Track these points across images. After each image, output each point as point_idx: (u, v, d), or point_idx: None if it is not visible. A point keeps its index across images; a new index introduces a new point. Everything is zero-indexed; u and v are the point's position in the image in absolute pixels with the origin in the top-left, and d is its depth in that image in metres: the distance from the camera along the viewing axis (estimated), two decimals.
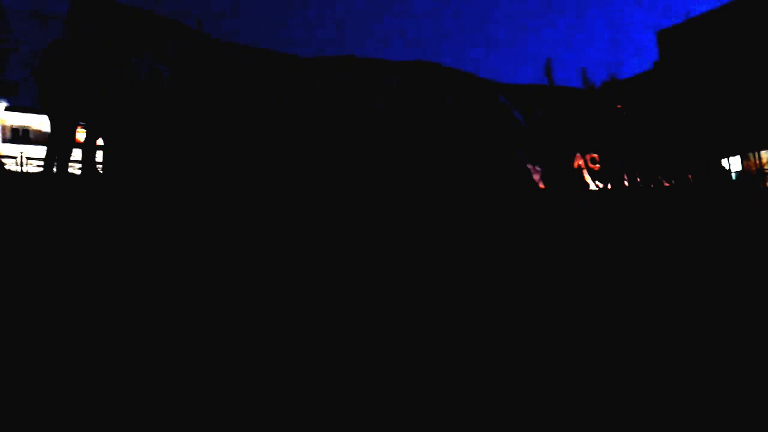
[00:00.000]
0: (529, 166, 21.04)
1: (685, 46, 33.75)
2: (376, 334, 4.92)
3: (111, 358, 4.10)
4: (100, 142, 12.55)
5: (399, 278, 7.47)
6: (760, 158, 30.69)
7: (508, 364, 4.06)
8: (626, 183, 26.73)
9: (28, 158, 30.70)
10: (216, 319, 5.17)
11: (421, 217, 12.18)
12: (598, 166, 25.25)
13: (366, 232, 10.00)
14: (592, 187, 24.93)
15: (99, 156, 13.21)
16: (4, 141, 45.98)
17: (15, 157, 32.59)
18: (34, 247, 6.81)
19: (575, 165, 24.44)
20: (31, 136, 46.27)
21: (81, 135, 12.49)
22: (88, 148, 12.05)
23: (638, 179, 27.01)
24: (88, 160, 12.04)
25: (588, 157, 25.38)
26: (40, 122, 45.92)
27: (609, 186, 25.64)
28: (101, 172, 12.44)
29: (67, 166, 11.62)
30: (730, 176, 31.09)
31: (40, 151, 40.09)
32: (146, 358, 4.13)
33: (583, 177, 24.58)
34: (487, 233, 11.28)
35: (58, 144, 11.47)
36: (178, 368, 3.90)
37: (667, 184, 27.73)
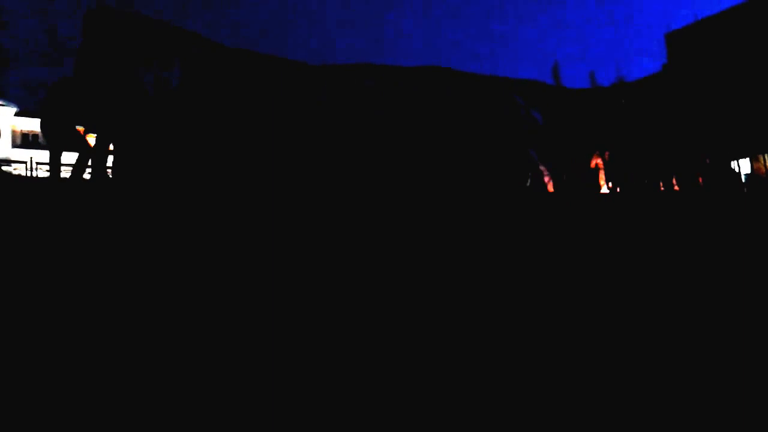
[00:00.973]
0: (542, 168, 21.05)
1: (694, 48, 33.63)
2: (386, 333, 4.93)
3: (116, 355, 4.11)
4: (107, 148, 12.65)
5: (403, 279, 7.47)
6: None
7: (510, 364, 4.05)
8: (636, 185, 26.61)
9: (38, 163, 30.86)
10: (229, 317, 5.19)
11: (425, 221, 12.19)
12: (611, 164, 25.32)
13: (371, 235, 10.01)
14: (604, 189, 24.89)
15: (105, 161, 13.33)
16: (14, 146, 46.35)
17: (25, 162, 32.76)
18: (36, 249, 6.85)
19: (592, 164, 24.43)
20: (41, 141, 46.60)
21: (92, 140, 12.61)
22: (100, 153, 12.15)
23: (648, 182, 26.88)
24: (98, 166, 12.14)
25: (606, 154, 25.43)
26: None
27: (619, 189, 25.56)
28: (111, 176, 12.53)
29: (83, 173, 11.83)
30: (740, 178, 30.92)
31: None
32: (156, 354, 4.15)
33: (599, 179, 24.59)
34: (492, 238, 11.25)
35: (57, 168, 11.96)
36: (191, 364, 3.92)
37: (677, 188, 27.62)
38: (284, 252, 8.18)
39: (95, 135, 12.27)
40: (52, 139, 11.77)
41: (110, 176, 13.06)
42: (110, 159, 13.04)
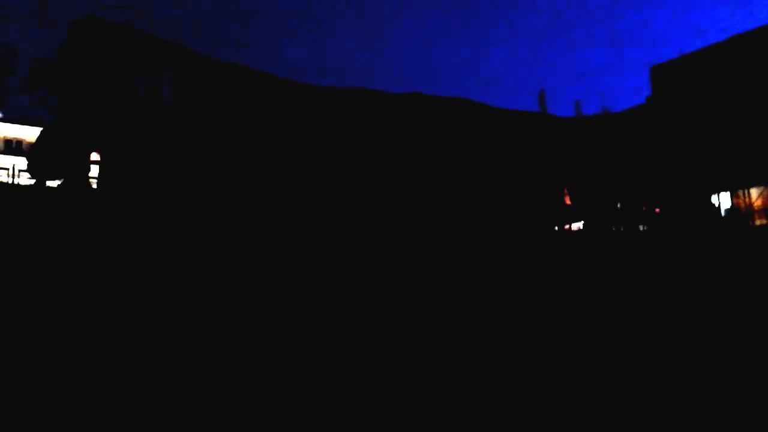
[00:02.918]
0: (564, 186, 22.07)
1: (678, 81, 34.12)
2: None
3: (113, 358, 4.06)
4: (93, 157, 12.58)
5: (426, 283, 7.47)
6: (749, 195, 30.90)
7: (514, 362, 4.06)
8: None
9: (20, 170, 30.47)
10: (229, 323, 5.15)
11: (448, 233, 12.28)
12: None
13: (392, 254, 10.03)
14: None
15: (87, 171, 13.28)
16: None
17: (7, 169, 32.38)
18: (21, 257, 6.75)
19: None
20: (25, 147, 46.09)
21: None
22: (81, 163, 12.07)
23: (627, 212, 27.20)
24: (81, 175, 12.05)
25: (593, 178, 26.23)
26: (34, 134, 45.74)
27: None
28: (96, 186, 12.45)
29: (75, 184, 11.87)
30: (720, 212, 31.28)
31: None
32: (152, 357, 4.10)
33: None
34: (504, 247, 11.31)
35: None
36: (184, 368, 3.88)
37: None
38: (277, 259, 8.15)
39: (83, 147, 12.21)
40: (39, 177, 12.14)
41: (95, 185, 12.96)
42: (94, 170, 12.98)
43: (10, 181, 29.92)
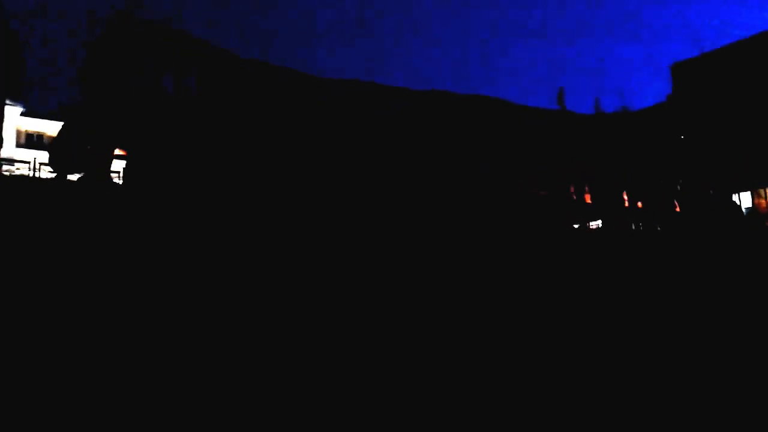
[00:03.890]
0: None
1: (699, 79, 33.76)
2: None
3: (119, 353, 4.09)
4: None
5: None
6: None
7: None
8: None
9: (41, 164, 30.82)
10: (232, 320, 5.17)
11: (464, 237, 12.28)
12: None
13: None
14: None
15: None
16: (18, 146, 46.36)
17: (28, 162, 32.76)
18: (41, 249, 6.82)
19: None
20: (45, 141, 46.62)
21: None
22: (104, 158, 12.18)
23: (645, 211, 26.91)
24: (102, 169, 12.17)
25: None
26: (55, 129, 46.23)
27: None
28: (120, 181, 12.58)
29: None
30: (741, 211, 30.91)
31: None
32: (161, 354, 4.12)
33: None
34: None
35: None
36: (196, 364, 3.90)
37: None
38: (295, 255, 8.19)
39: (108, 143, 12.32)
40: (60, 170, 12.32)
41: (117, 180, 13.11)
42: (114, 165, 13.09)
43: (31, 175, 30.29)
